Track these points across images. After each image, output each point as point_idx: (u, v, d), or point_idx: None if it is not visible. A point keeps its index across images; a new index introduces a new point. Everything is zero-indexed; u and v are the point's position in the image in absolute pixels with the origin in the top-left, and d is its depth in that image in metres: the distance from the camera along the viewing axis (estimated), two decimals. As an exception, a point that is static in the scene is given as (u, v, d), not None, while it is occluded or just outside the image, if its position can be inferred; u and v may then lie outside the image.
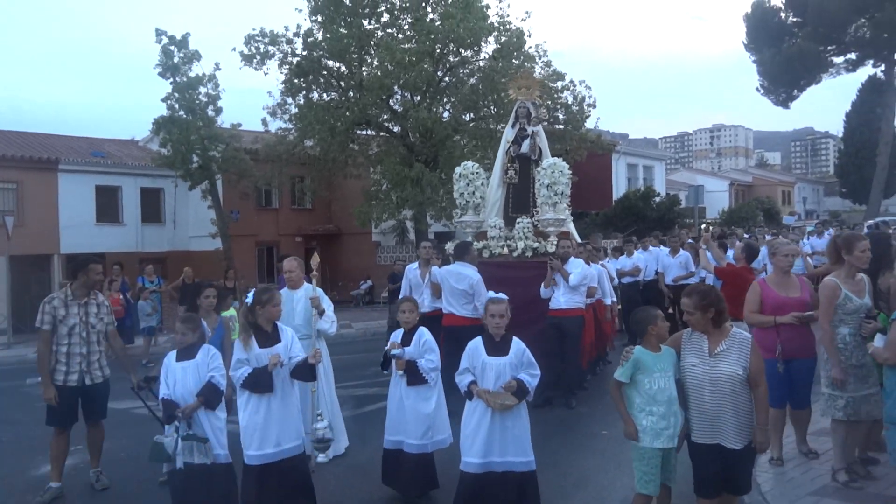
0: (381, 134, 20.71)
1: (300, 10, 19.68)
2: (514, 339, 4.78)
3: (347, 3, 19.25)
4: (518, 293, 6.83)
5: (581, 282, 8.09)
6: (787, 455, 5.72)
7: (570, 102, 20.59)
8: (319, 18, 19.42)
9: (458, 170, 9.49)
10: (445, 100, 19.94)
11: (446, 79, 19.67)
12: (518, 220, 9.06)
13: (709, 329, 4.08)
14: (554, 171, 8.70)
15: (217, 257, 20.99)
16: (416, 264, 8.95)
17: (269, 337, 5.02)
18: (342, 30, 18.81)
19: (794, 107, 37.43)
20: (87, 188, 23.59)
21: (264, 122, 20.60)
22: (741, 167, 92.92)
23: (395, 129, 20.16)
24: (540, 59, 20.12)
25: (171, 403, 4.91)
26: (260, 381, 4.86)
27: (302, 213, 27.47)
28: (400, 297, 8.90)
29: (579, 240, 10.18)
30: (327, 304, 6.29)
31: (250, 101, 25.47)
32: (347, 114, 18.89)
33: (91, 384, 5.83)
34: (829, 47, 34.26)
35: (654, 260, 12.40)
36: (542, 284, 8.14)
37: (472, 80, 19.50)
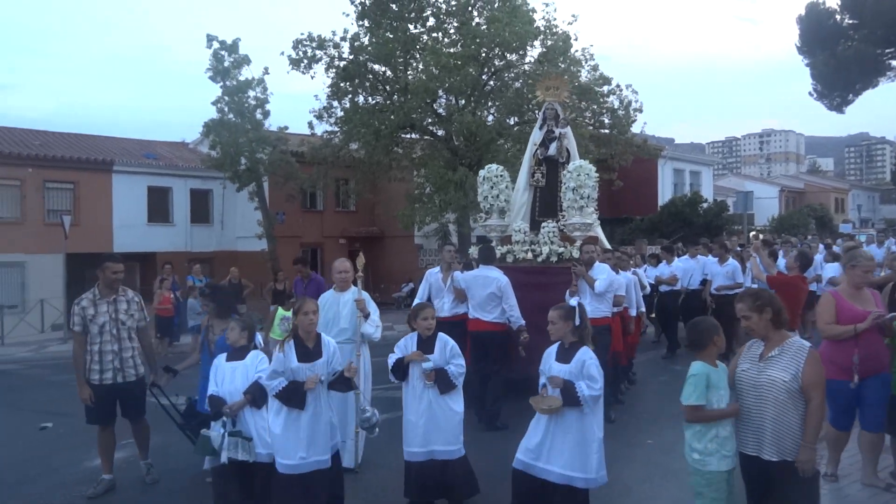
0: (426, 137, 20.81)
1: (347, 15, 19.94)
2: (583, 348, 4.69)
3: (394, 7, 19.42)
4: (542, 299, 6.65)
5: (608, 289, 7.64)
6: (843, 471, 5.53)
7: (616, 107, 20.39)
8: (366, 23, 19.64)
9: (482, 172, 9.33)
10: (490, 104, 19.93)
11: (491, 83, 19.66)
12: (543, 224, 8.81)
13: (770, 332, 3.86)
14: (580, 174, 8.35)
15: (262, 258, 21.37)
16: (437, 268, 8.76)
17: (309, 352, 4.93)
18: (388, 34, 18.97)
19: (848, 111, 36.25)
20: (140, 189, 24.31)
21: (310, 125, 20.91)
22: (792, 173, 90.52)
23: (440, 132, 20.22)
24: (586, 62, 19.97)
25: (218, 399, 5.03)
26: (293, 397, 4.80)
27: (346, 215, 27.76)
28: (417, 300, 8.58)
29: (607, 245, 9.83)
30: (373, 309, 6.22)
31: (297, 105, 25.87)
32: (392, 117, 19.01)
33: (124, 382, 5.84)
34: (886, 50, 33.11)
35: (699, 268, 11.94)
36: (567, 292, 7.58)
37: (517, 84, 19.44)
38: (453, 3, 19.47)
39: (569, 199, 8.48)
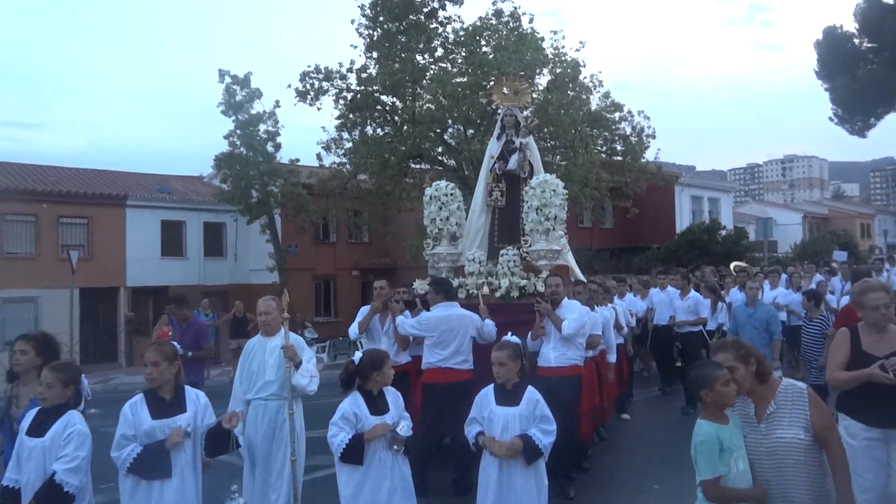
0: (435, 167, 20.66)
1: (356, 47, 20.00)
2: (529, 388, 4.34)
3: (402, 39, 19.42)
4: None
5: (578, 331, 6.19)
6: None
7: (628, 133, 20.15)
8: (374, 55, 19.65)
9: (428, 191, 7.95)
10: (499, 133, 19.74)
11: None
12: (502, 251, 7.42)
13: (756, 387, 3.33)
14: (545, 191, 7.10)
15: (275, 291, 21.20)
16: (366, 307, 7.22)
17: (167, 405, 3.95)
18: (396, 65, 18.94)
19: (871, 136, 35.58)
20: (153, 223, 24.38)
21: (319, 156, 20.87)
22: (816, 199, 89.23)
23: (449, 162, 20.06)
24: (595, 89, 19.78)
25: (10, 493, 3.75)
26: (153, 463, 3.78)
27: (359, 246, 27.63)
28: (363, 344, 7.15)
29: (580, 275, 8.41)
30: (307, 356, 5.28)
31: (310, 136, 26.01)
32: (402, 148, 18.89)
33: None
34: (908, 73, 32.52)
35: (668, 302, 10.38)
36: (529, 336, 6.25)
37: (526, 113, 19.23)
38: (462, 33, 19.43)
39: (532, 221, 7.21)
